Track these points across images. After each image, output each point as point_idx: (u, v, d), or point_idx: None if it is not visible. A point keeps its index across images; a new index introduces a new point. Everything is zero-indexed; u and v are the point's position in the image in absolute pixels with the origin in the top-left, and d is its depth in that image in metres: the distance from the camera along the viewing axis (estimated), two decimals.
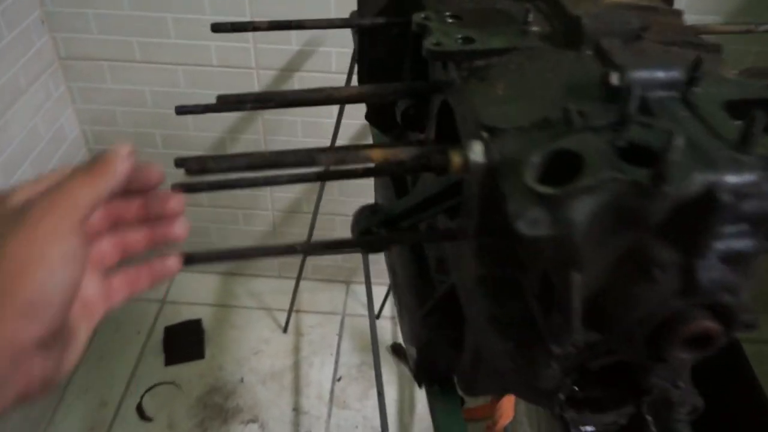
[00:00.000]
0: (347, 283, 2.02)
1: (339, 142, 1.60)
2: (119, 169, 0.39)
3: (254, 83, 1.65)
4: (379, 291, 1.76)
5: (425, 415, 1.70)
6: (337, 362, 1.78)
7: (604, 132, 0.43)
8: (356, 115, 1.70)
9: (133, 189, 0.43)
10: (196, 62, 1.62)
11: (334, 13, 1.51)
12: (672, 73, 0.45)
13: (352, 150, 0.49)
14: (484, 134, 0.46)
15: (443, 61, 0.54)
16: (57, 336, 0.36)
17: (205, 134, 1.76)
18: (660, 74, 0.45)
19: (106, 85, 1.67)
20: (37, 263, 0.33)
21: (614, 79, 0.45)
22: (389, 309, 1.81)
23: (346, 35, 1.48)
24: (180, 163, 0.47)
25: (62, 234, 0.35)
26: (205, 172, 0.48)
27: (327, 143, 1.71)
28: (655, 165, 0.37)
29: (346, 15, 1.53)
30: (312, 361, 1.82)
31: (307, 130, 1.71)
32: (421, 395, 1.74)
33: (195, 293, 2.00)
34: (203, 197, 1.91)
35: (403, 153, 0.50)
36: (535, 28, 0.55)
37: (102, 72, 1.65)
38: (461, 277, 0.56)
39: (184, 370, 1.80)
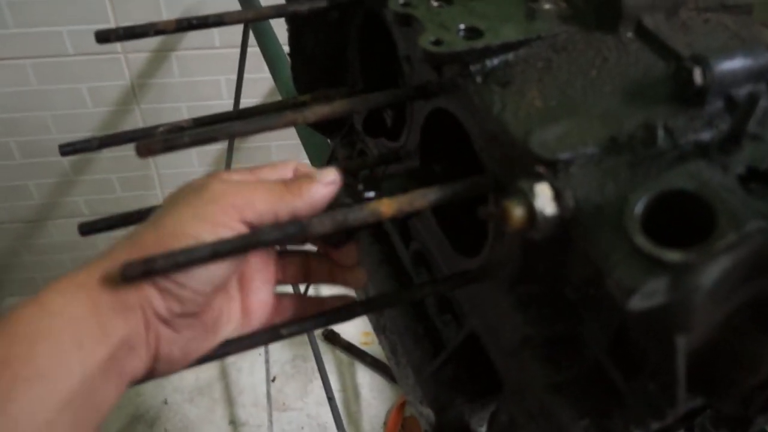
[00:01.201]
0: None
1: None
2: (313, 195, 0.38)
3: (123, 69, 1.41)
4: None
5: (371, 401, 1.62)
6: (267, 362, 1.64)
7: (713, 155, 0.32)
8: (254, 93, 1.51)
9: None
10: (48, 53, 1.34)
11: None
12: (760, 60, 0.35)
13: (355, 209, 0.36)
14: (541, 170, 0.34)
15: (443, 64, 0.41)
16: (189, 318, 0.37)
17: (72, 135, 1.49)
18: (746, 62, 0.35)
19: None
20: (184, 239, 0.34)
21: (698, 76, 0.34)
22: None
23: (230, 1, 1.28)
24: (123, 270, 0.32)
25: (218, 222, 0.35)
26: (151, 275, 0.33)
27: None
28: None
29: None
30: (240, 366, 1.67)
31: (194, 114, 1.50)
32: (363, 380, 1.66)
33: None
34: (82, 206, 1.65)
35: (422, 200, 0.37)
36: (547, 6, 0.43)
37: None
38: (494, 335, 0.45)
39: None
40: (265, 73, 1.05)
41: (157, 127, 0.54)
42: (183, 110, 1.49)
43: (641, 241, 0.29)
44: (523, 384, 0.43)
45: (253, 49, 1.15)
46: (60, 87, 1.41)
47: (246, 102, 1.45)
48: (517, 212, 0.33)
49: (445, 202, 0.38)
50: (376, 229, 0.59)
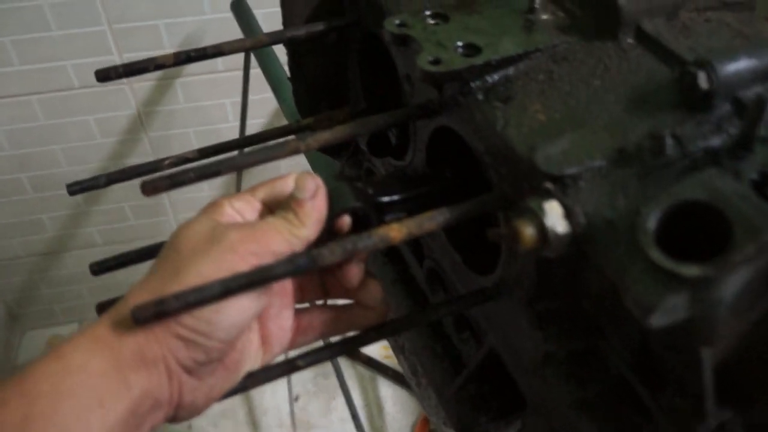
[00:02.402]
0: None
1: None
2: (312, 215, 0.38)
3: (129, 99, 1.42)
4: None
5: (395, 414, 1.61)
6: (289, 382, 1.64)
7: (725, 161, 0.31)
8: (259, 113, 1.51)
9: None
10: (53, 88, 1.36)
11: (207, 8, 1.31)
12: (766, 59, 0.35)
13: (364, 236, 0.35)
14: (549, 186, 0.33)
15: (443, 83, 0.40)
16: (214, 364, 0.37)
17: (82, 167, 1.51)
18: (751, 63, 0.34)
19: None
20: None
21: (703, 80, 0.34)
22: None
23: (231, 23, 1.29)
24: (134, 312, 0.32)
25: (239, 271, 0.34)
26: (163, 316, 0.33)
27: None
28: None
29: (222, 11, 1.34)
30: (263, 388, 1.67)
31: (202, 140, 1.51)
32: (386, 394, 1.65)
33: None
34: (97, 237, 1.66)
35: (431, 223, 0.37)
36: (544, 16, 0.42)
37: None
38: (514, 352, 0.45)
39: None
40: (270, 93, 1.05)
41: (163, 160, 0.54)
42: (191, 135, 1.50)
43: (656, 255, 0.29)
44: (548, 402, 0.42)
45: (257, 71, 1.15)
46: (68, 120, 1.42)
47: (252, 123, 1.46)
48: (528, 232, 0.32)
49: (454, 223, 0.38)
50: (389, 248, 0.58)
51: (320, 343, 0.45)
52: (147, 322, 0.33)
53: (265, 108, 1.47)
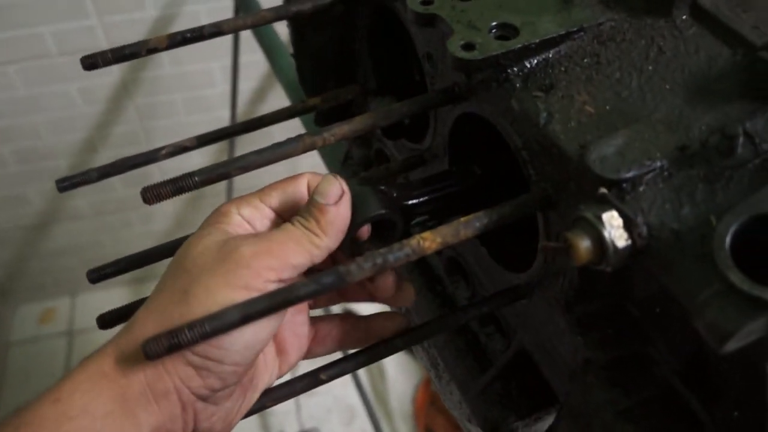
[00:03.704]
0: None
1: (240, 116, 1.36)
2: (336, 224, 0.34)
3: (111, 67, 1.35)
4: None
5: (397, 377, 1.61)
6: None
7: None
8: (250, 76, 1.44)
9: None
10: (30, 55, 1.29)
11: None
12: None
13: (395, 248, 0.32)
14: (605, 191, 0.30)
15: (475, 69, 0.36)
16: (230, 389, 0.34)
17: (66, 138, 1.45)
18: None
19: None
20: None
21: None
22: None
23: None
24: (145, 347, 0.29)
25: (252, 287, 0.32)
26: (177, 349, 0.29)
27: (217, 118, 1.46)
28: None
29: None
30: None
31: (190, 106, 1.45)
32: (388, 357, 1.64)
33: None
34: (85, 208, 1.61)
35: (467, 230, 0.33)
36: None
37: None
38: (549, 354, 0.42)
39: None
40: (259, 55, 0.99)
41: (159, 150, 0.50)
42: (178, 102, 1.44)
43: (737, 278, 0.25)
44: (588, 410, 0.39)
45: (246, 32, 1.09)
46: (48, 89, 1.36)
47: (244, 86, 1.40)
48: (584, 245, 0.29)
49: (491, 228, 0.34)
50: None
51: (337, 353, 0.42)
52: (160, 356, 0.29)
53: (255, 71, 1.40)
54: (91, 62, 0.44)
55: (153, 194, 0.35)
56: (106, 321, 0.42)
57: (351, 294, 0.42)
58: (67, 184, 0.49)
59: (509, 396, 0.48)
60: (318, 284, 0.31)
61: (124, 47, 0.44)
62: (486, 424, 0.48)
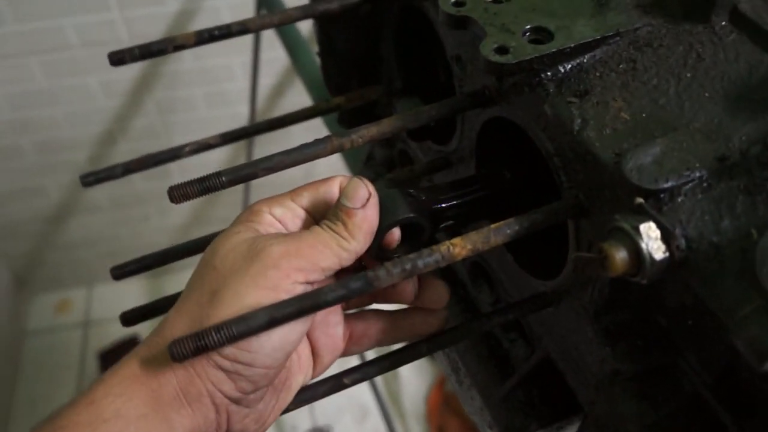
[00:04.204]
0: None
1: (258, 114, 1.36)
2: (363, 227, 0.34)
3: None
4: None
5: (411, 377, 1.61)
6: None
7: None
8: (270, 72, 1.44)
9: None
10: (51, 47, 1.30)
11: None
12: None
13: (424, 254, 0.31)
14: (642, 201, 0.29)
15: (508, 73, 0.35)
16: (262, 390, 0.33)
17: (86, 130, 1.46)
18: None
19: None
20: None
21: None
22: None
23: None
24: (171, 348, 0.29)
25: (281, 288, 0.31)
26: (203, 351, 0.29)
27: (237, 113, 1.47)
28: None
29: None
30: None
31: (209, 101, 1.45)
32: None
33: (121, 305, 1.74)
34: (103, 200, 1.62)
35: (498, 236, 0.33)
36: None
37: None
38: (575, 363, 0.41)
39: None
40: (280, 51, 0.99)
41: (183, 147, 0.50)
42: (198, 96, 1.45)
43: None
44: (615, 422, 0.39)
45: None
46: (68, 82, 1.36)
47: (264, 82, 1.39)
48: (620, 256, 0.28)
49: (522, 235, 0.33)
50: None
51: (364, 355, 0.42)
52: (186, 358, 0.29)
53: (275, 67, 1.40)
54: (118, 58, 0.43)
55: (180, 193, 0.35)
56: (128, 318, 0.42)
57: (381, 297, 0.41)
58: (92, 179, 0.49)
59: (531, 404, 0.47)
60: (346, 289, 0.31)
61: (151, 44, 0.44)
62: (507, 431, 0.47)
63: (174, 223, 1.70)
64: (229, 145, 1.42)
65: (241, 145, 1.45)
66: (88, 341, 1.73)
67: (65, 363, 1.69)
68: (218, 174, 0.36)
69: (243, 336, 0.30)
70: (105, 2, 1.26)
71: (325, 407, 1.57)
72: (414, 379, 1.60)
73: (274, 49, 1.23)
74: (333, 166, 0.84)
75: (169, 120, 1.46)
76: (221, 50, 1.37)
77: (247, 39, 1.25)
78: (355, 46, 0.53)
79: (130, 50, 0.44)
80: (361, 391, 1.56)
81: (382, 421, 1.30)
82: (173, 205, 0.35)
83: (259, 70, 1.24)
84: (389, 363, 0.39)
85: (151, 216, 1.67)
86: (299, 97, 1.19)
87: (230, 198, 1.47)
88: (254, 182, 1.49)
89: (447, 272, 0.55)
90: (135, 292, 1.77)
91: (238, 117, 1.46)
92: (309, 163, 0.37)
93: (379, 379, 1.56)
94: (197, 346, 0.29)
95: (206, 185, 0.36)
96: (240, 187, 1.51)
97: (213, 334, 0.29)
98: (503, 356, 0.50)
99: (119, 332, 1.69)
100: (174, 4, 1.28)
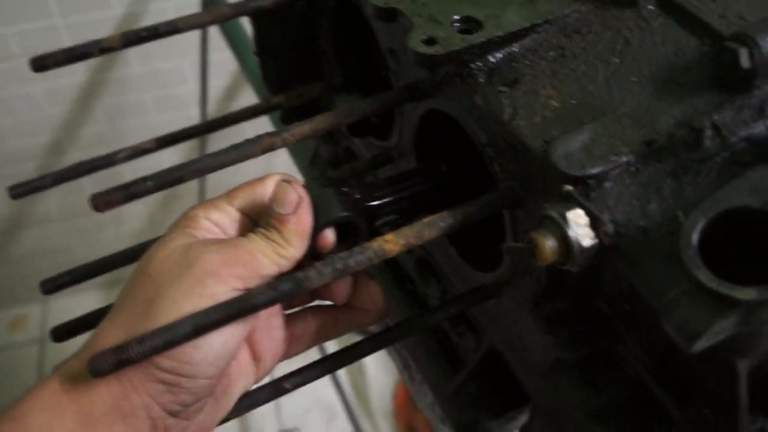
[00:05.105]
0: None
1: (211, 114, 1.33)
2: (298, 231, 0.33)
3: (77, 66, 1.31)
4: None
5: (377, 374, 1.60)
6: None
7: None
8: (221, 73, 1.41)
9: None
10: None
11: None
12: None
13: (356, 252, 0.31)
14: (569, 188, 0.29)
15: (437, 65, 0.35)
16: (202, 401, 0.32)
17: (33, 140, 1.41)
18: None
19: None
20: None
21: (745, 59, 0.29)
22: None
23: None
24: (90, 364, 0.27)
25: (217, 295, 0.30)
26: (124, 365, 0.28)
27: (189, 116, 1.44)
28: None
29: None
30: None
31: (160, 105, 1.42)
32: None
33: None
34: (53, 211, 1.58)
35: (431, 230, 0.32)
36: None
37: None
38: (519, 353, 0.41)
39: None
40: (229, 52, 0.98)
41: (117, 153, 0.48)
42: (148, 101, 1.41)
43: (705, 277, 0.25)
44: (560, 408, 0.39)
45: (216, 28, 1.07)
46: (10, 92, 1.32)
47: (215, 84, 1.37)
48: (549, 245, 0.28)
49: (457, 228, 0.33)
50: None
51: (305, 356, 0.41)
52: (107, 373, 0.28)
53: (226, 68, 1.38)
54: (41, 64, 0.42)
55: (103, 201, 0.34)
56: (58, 334, 0.40)
57: (317, 295, 0.40)
58: (20, 190, 0.47)
59: (482, 397, 0.47)
60: (275, 291, 0.30)
61: (75, 47, 0.43)
62: (459, 426, 0.47)
63: (129, 231, 1.66)
64: (182, 149, 1.38)
65: (194, 149, 1.42)
66: (45, 357, 1.68)
67: (21, 382, 1.64)
68: (144, 179, 0.35)
69: (168, 347, 0.28)
70: (46, 9, 1.22)
71: (292, 408, 1.56)
72: (381, 375, 1.60)
73: (224, 50, 1.21)
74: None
75: (119, 126, 1.43)
76: (170, 53, 1.34)
77: (197, 40, 1.23)
78: (293, 42, 0.52)
79: (52, 55, 0.42)
80: (328, 391, 1.55)
81: (349, 421, 1.29)
82: (127, 212, 0.34)
83: (209, 71, 1.21)
84: (331, 365, 0.38)
85: (105, 224, 1.63)
86: (253, 98, 1.17)
87: (188, 202, 1.44)
88: (211, 184, 1.45)
89: (395, 267, 0.54)
90: (93, 305, 1.72)
91: (189, 120, 1.42)
92: (269, 161, 0.36)
93: (345, 378, 1.55)
94: (119, 359, 0.28)
95: (131, 192, 0.35)
96: (196, 189, 1.48)
97: (136, 346, 0.28)
98: (453, 351, 0.49)
99: (77, 348, 1.64)
100: (119, 8, 1.25)
